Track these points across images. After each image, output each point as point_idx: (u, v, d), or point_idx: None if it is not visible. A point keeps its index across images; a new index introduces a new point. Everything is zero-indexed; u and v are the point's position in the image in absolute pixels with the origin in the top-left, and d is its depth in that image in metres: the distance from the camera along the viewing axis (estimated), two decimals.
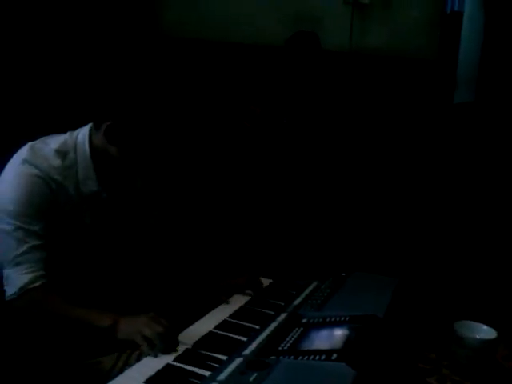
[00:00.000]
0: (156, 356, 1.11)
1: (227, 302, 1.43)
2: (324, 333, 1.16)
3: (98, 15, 2.39)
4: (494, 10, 2.99)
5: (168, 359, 1.08)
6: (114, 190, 1.37)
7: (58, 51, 2.19)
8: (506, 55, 2.78)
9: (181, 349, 1.12)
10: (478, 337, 1.68)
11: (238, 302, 1.44)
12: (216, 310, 1.39)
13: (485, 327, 1.71)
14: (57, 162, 1.28)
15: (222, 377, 0.98)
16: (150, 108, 1.29)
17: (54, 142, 1.32)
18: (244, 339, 1.18)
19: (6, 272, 1.21)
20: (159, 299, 1.48)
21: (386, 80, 2.69)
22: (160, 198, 1.59)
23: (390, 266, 1.91)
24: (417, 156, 2.58)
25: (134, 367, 1.07)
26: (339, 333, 1.14)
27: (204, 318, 1.32)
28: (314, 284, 1.57)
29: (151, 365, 1.06)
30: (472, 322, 1.72)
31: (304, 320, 1.26)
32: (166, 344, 1.12)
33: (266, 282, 1.62)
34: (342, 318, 1.22)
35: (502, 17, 2.87)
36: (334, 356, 1.01)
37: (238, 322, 1.29)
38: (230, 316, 1.33)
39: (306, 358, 1.03)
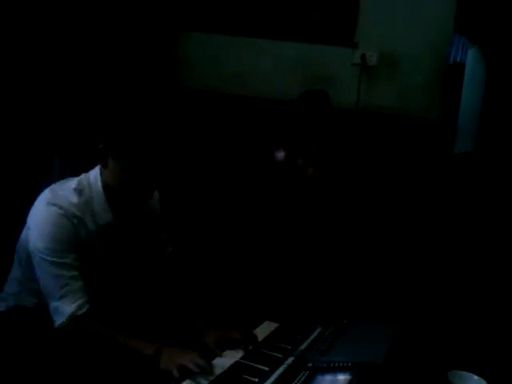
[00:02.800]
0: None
1: (220, 356, 1.45)
2: (328, 377, 1.29)
3: (123, 65, 2.58)
4: (495, 62, 3.19)
5: None
6: (125, 218, 1.52)
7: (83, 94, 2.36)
8: (507, 106, 2.97)
9: None
10: None
11: (232, 355, 1.45)
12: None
13: (475, 377, 1.82)
14: (75, 199, 1.45)
15: None
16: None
17: (71, 182, 1.50)
18: (255, 380, 1.31)
19: (52, 305, 1.36)
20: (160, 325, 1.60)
21: (390, 135, 2.88)
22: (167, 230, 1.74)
23: (388, 315, 2.04)
24: (420, 204, 2.74)
25: None
26: (342, 377, 1.27)
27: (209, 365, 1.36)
28: (318, 330, 1.70)
29: None
30: (464, 372, 1.83)
31: (310, 364, 1.39)
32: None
33: (272, 325, 1.76)
34: (345, 364, 1.36)
35: (502, 68, 3.07)
36: None
37: (250, 363, 1.41)
38: (243, 357, 1.46)
39: None
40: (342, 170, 2.69)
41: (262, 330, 1.70)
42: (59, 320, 1.36)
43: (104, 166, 1.46)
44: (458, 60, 3.67)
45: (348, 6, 2.91)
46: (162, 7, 2.83)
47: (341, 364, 1.37)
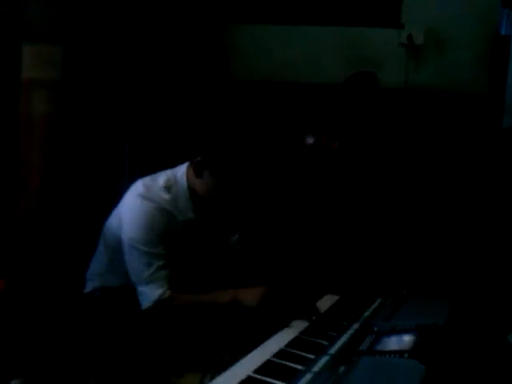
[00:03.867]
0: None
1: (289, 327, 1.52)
2: (395, 338, 1.39)
3: (180, 63, 2.72)
4: None
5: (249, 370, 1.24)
6: (205, 217, 1.66)
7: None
8: None
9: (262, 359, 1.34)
10: None
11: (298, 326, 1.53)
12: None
13: None
14: (165, 195, 1.60)
15: (315, 369, 1.23)
16: (234, 147, 1.57)
17: (161, 178, 1.63)
18: (326, 343, 1.43)
19: (140, 289, 1.52)
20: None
21: (439, 113, 2.91)
22: (240, 222, 1.88)
23: (445, 284, 2.11)
24: (471, 179, 2.76)
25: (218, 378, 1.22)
26: (408, 338, 1.36)
27: (279, 332, 1.49)
28: (379, 300, 1.80)
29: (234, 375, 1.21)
30: None
31: (375, 328, 1.50)
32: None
33: (334, 298, 1.86)
34: (409, 326, 1.45)
35: None
36: (406, 355, 1.24)
37: (319, 329, 1.53)
38: (310, 325, 1.57)
39: (382, 356, 1.27)
40: (393, 147, 2.75)
41: (324, 303, 1.79)
42: (146, 303, 1.52)
43: (198, 176, 1.59)
44: (505, 33, 3.62)
45: None
46: (208, 2, 2.94)
47: (405, 327, 1.46)
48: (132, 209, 1.57)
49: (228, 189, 1.57)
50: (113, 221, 1.67)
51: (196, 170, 1.58)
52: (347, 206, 2.46)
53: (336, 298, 1.87)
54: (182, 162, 1.71)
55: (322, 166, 2.50)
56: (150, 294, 1.51)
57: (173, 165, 1.72)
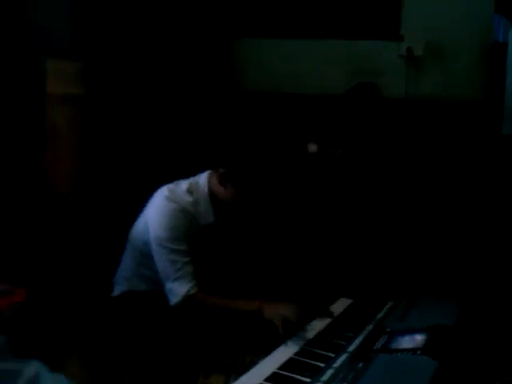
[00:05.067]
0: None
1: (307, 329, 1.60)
2: (407, 337, 1.48)
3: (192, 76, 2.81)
4: None
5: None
6: (225, 221, 1.76)
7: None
8: None
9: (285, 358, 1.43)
10: None
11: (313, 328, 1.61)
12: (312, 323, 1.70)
13: None
14: (188, 198, 1.71)
15: (336, 365, 1.32)
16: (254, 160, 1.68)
17: (184, 183, 1.75)
18: (343, 342, 1.51)
19: (168, 286, 1.61)
20: None
21: (439, 121, 3.01)
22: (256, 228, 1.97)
23: (454, 285, 2.20)
24: (471, 186, 2.86)
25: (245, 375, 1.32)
26: (420, 337, 1.46)
27: (298, 334, 1.57)
28: (391, 303, 1.89)
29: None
30: None
31: (388, 329, 1.59)
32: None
33: (347, 302, 1.95)
34: (420, 327, 1.54)
35: None
36: (419, 352, 1.34)
37: (335, 330, 1.62)
38: (327, 326, 1.66)
39: (396, 354, 1.36)
40: (394, 155, 2.85)
41: (338, 306, 1.88)
42: (174, 299, 1.61)
43: (221, 184, 1.71)
44: (501, 40, 3.72)
45: (391, 0, 3.05)
46: (217, 18, 3.05)
47: (416, 327, 1.55)
48: (158, 210, 1.68)
49: (247, 198, 1.68)
50: (139, 225, 1.77)
51: (221, 181, 1.69)
52: (356, 211, 2.55)
53: (349, 301, 1.96)
54: (196, 171, 1.82)
55: (327, 173, 2.59)
56: (178, 289, 1.61)
57: (188, 172, 1.83)
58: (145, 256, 1.71)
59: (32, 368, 0.51)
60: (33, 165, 1.88)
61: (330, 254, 2.34)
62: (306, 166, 2.53)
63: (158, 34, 2.45)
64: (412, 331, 1.53)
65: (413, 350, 1.36)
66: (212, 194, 1.74)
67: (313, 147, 2.63)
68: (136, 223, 1.80)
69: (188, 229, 1.68)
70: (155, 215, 1.69)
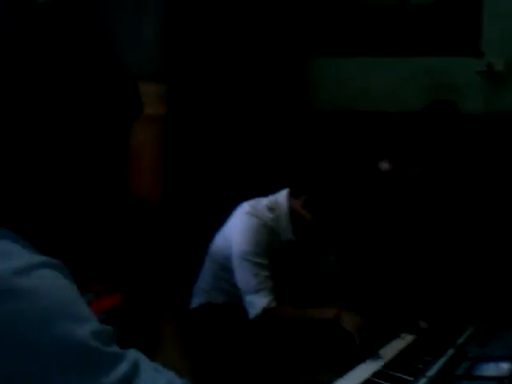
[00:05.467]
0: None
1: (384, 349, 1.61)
2: (492, 365, 1.42)
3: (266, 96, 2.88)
4: None
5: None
6: (304, 238, 1.78)
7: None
8: None
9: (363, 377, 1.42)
10: None
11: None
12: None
13: None
14: (269, 214, 1.74)
15: None
16: (339, 185, 1.69)
17: (264, 200, 1.79)
18: (422, 366, 1.48)
19: (248, 298, 1.65)
20: None
21: None
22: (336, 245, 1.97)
23: None
24: None
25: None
26: (506, 365, 1.40)
27: (383, 348, 1.62)
28: (471, 329, 1.82)
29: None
30: None
31: (471, 355, 1.53)
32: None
33: (423, 324, 1.90)
34: (505, 354, 1.48)
35: None
36: (506, 381, 1.28)
37: (414, 353, 1.58)
38: (406, 348, 1.63)
39: (482, 381, 1.31)
40: (473, 174, 2.75)
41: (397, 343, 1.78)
42: (254, 312, 1.64)
43: (294, 196, 1.76)
44: None
45: (470, 15, 2.98)
46: (291, 38, 3.10)
47: (500, 354, 1.49)
48: (241, 225, 1.73)
49: (329, 219, 1.69)
50: (220, 240, 1.82)
51: (304, 205, 1.71)
52: (436, 230, 2.48)
53: (425, 324, 1.91)
54: (274, 188, 1.86)
55: (403, 191, 2.55)
56: (258, 302, 1.64)
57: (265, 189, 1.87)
58: (224, 270, 1.75)
59: (133, 353, 0.56)
60: (117, 185, 1.98)
61: (407, 275, 2.29)
62: (381, 185, 2.51)
63: (235, 57, 2.53)
64: (496, 359, 1.47)
65: (498, 379, 1.31)
66: (292, 211, 1.77)
67: (385, 165, 2.60)
68: (216, 238, 1.85)
69: (269, 244, 1.71)
70: (238, 230, 1.73)
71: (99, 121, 0.62)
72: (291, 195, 1.80)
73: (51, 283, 0.52)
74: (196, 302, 1.87)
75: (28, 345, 0.48)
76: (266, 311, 1.63)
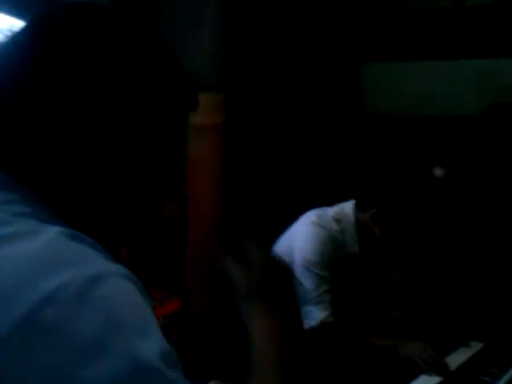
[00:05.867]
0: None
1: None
2: None
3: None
4: None
5: None
6: (370, 251, 1.76)
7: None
8: None
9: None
10: None
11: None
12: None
13: None
14: (335, 226, 1.73)
15: None
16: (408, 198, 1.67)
17: (331, 210, 1.78)
18: (488, 379, 1.44)
19: (306, 309, 1.64)
20: None
21: None
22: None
23: None
24: None
25: None
26: None
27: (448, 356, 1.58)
28: None
29: None
30: None
31: None
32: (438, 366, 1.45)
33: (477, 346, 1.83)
34: None
35: None
36: None
37: (480, 364, 1.54)
38: (472, 357, 1.59)
39: None
40: None
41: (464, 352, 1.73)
42: (311, 323, 1.65)
43: (360, 209, 1.75)
44: None
45: None
46: (343, 43, 3.09)
47: None
48: (306, 234, 1.72)
49: (398, 232, 1.68)
50: (281, 247, 1.82)
51: (372, 218, 1.70)
52: (497, 236, 2.41)
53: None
54: (333, 198, 1.85)
55: (464, 198, 2.49)
56: (317, 314, 1.63)
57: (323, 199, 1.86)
58: None
59: None
60: (175, 192, 2.03)
61: (471, 283, 2.23)
62: (439, 192, 2.46)
63: (289, 65, 2.55)
64: None
65: None
66: (358, 223, 1.75)
67: (440, 171, 2.55)
68: (277, 245, 1.85)
69: (333, 256, 1.70)
70: (303, 239, 1.72)
71: (155, 114, 0.61)
72: (358, 208, 1.77)
73: (126, 294, 0.50)
74: None
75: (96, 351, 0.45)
76: (323, 325, 1.63)
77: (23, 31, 0.60)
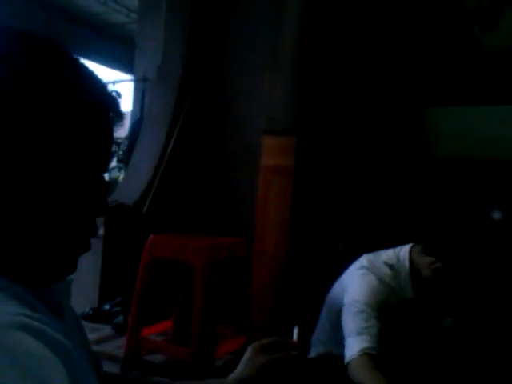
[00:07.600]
0: None
1: None
2: None
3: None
4: None
5: None
6: (425, 297, 1.74)
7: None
8: None
9: None
10: None
11: None
12: None
13: None
14: (387, 271, 1.72)
15: None
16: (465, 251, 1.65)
17: (384, 255, 1.78)
18: None
19: (348, 341, 1.57)
20: None
21: None
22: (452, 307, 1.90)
23: None
24: None
25: None
26: None
27: None
28: None
29: None
30: None
31: None
32: None
33: None
34: None
35: None
36: None
37: None
38: None
39: None
40: None
41: None
42: (350, 352, 1.52)
43: (432, 267, 1.71)
44: None
45: None
46: (408, 88, 3.11)
47: None
48: (357, 278, 1.72)
49: (452, 273, 1.65)
50: (336, 290, 1.84)
51: (423, 250, 1.68)
52: None
53: None
54: (394, 241, 1.83)
55: None
56: (357, 343, 1.50)
57: (386, 242, 1.85)
58: (341, 319, 1.73)
59: None
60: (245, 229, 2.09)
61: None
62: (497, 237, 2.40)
63: (357, 110, 2.60)
64: None
65: None
66: (413, 268, 1.73)
67: (498, 214, 2.49)
68: (333, 287, 1.87)
69: (384, 301, 1.65)
70: (353, 284, 1.71)
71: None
72: (415, 250, 1.75)
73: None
74: (314, 351, 1.87)
75: None
76: (363, 354, 1.47)
77: None
